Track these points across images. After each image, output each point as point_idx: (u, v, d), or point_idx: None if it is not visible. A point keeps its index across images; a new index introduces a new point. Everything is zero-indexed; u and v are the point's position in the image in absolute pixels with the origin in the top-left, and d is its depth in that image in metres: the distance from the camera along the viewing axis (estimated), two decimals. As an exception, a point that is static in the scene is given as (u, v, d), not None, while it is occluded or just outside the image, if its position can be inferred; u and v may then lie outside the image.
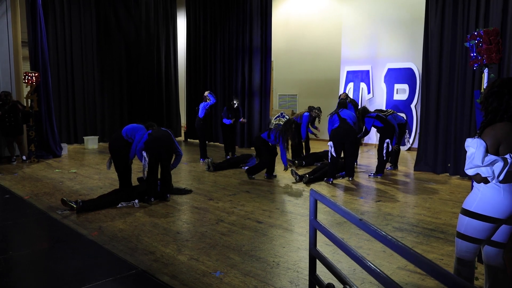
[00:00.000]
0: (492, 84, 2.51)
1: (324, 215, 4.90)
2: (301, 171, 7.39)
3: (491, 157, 2.30)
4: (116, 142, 5.81)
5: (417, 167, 7.76)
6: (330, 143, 6.83)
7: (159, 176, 5.82)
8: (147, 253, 3.90)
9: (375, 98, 10.93)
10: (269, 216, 5.06)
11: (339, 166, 7.14)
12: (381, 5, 10.73)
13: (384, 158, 7.20)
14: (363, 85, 11.12)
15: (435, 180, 7.04)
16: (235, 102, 9.12)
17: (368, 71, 11.03)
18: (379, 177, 7.22)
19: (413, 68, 10.18)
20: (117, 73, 12.55)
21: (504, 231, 2.49)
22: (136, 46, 12.81)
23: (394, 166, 7.90)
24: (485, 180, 2.38)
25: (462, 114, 7.05)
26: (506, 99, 2.40)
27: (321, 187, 6.58)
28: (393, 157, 7.80)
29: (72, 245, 4.17)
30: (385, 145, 7.10)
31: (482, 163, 2.31)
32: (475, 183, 2.49)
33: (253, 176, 7.14)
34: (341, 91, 11.30)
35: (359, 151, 8.81)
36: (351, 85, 11.34)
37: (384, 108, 9.40)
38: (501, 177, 2.31)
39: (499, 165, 2.29)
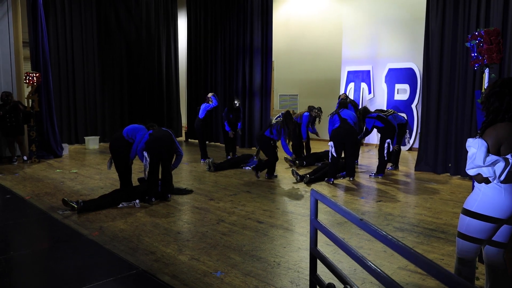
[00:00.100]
0: (494, 84, 2.50)
1: (325, 215, 4.90)
2: (301, 171, 7.39)
3: (492, 157, 2.30)
4: (116, 142, 5.81)
5: (417, 167, 7.76)
6: (331, 143, 6.83)
7: (160, 176, 5.82)
8: (148, 253, 3.91)
9: (376, 98, 10.93)
10: (270, 216, 5.06)
11: (340, 166, 7.14)
12: (381, 5, 10.73)
13: (385, 158, 7.19)
14: (363, 85, 11.12)
15: (436, 180, 7.04)
16: (236, 102, 9.12)
17: (368, 71, 11.02)
18: (379, 177, 7.22)
19: (413, 68, 10.18)
20: (118, 73, 12.57)
21: (505, 231, 2.49)
22: (136, 46, 12.82)
23: (395, 166, 7.90)
24: (486, 180, 2.38)
25: (463, 114, 7.05)
26: (507, 99, 2.40)
27: (321, 187, 6.58)
28: (394, 157, 7.80)
29: (73, 245, 4.18)
30: (386, 145, 7.10)
31: (484, 163, 2.31)
32: (476, 183, 2.48)
33: (259, 175, 7.15)
34: (341, 91, 11.31)
35: (360, 151, 8.82)
36: (351, 85, 11.34)
37: (385, 108, 9.40)
38: (502, 177, 2.31)
39: (500, 165, 2.29)
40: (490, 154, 2.32)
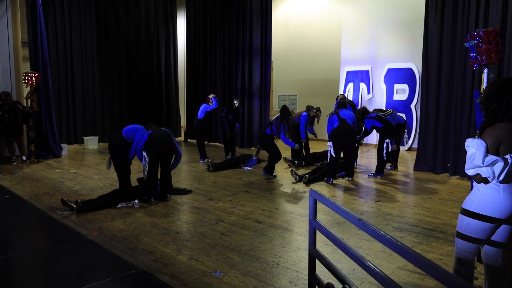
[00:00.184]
0: (492, 84, 2.51)
1: (324, 215, 4.90)
2: (300, 171, 7.39)
3: (491, 157, 2.31)
4: (116, 142, 5.81)
5: (416, 167, 7.76)
6: (330, 143, 6.84)
7: (159, 176, 5.82)
8: (147, 253, 3.91)
9: (375, 98, 10.93)
10: (269, 216, 5.06)
11: (339, 166, 7.15)
12: (381, 6, 10.74)
13: (384, 158, 7.20)
14: (363, 85, 11.13)
15: (435, 180, 7.04)
16: (235, 102, 9.12)
17: (368, 71, 11.03)
18: (378, 177, 7.22)
19: (412, 68, 10.19)
20: (117, 73, 12.56)
21: (504, 231, 2.49)
22: (136, 46, 12.82)
23: (394, 166, 7.91)
24: (485, 180, 2.38)
25: (461, 114, 7.06)
26: (506, 99, 2.40)
27: (320, 187, 6.58)
28: (393, 157, 7.80)
29: (72, 245, 4.17)
30: (385, 145, 7.11)
31: (483, 163, 2.31)
32: (475, 183, 2.49)
33: (271, 176, 7.11)
34: (341, 91, 11.32)
35: (359, 151, 8.83)
36: (351, 85, 11.35)
37: (384, 108, 9.41)
38: (501, 177, 2.32)
39: (499, 165, 2.29)
40: (489, 154, 2.32)
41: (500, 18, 6.41)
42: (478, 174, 2.37)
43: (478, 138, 2.39)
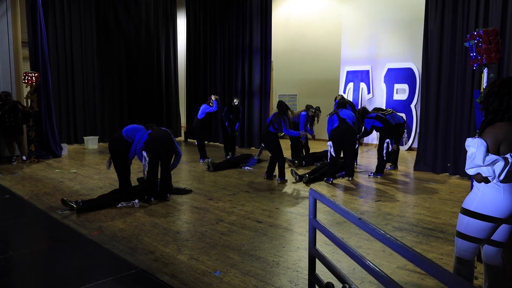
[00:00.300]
0: (492, 83, 2.51)
1: (324, 215, 4.90)
2: (300, 171, 7.40)
3: (492, 157, 2.30)
4: (116, 142, 5.81)
5: (416, 167, 7.76)
6: (330, 143, 6.83)
7: (159, 176, 5.82)
8: (147, 253, 3.91)
9: (375, 98, 10.93)
10: (269, 216, 5.06)
11: (339, 166, 7.15)
12: (381, 5, 10.74)
13: (384, 158, 7.20)
14: (363, 85, 11.13)
15: (435, 179, 7.04)
16: (235, 100, 9.12)
17: (368, 71, 11.03)
18: (378, 177, 7.22)
19: (412, 68, 10.19)
20: (117, 73, 12.56)
21: (504, 230, 2.49)
22: (136, 46, 12.82)
23: (394, 166, 7.91)
24: (486, 180, 2.38)
25: (461, 114, 7.05)
26: (506, 99, 2.40)
27: (320, 187, 6.58)
28: (393, 157, 7.80)
29: (72, 245, 4.18)
30: (385, 145, 7.11)
31: (483, 163, 2.31)
32: (475, 183, 2.49)
33: (285, 179, 6.97)
34: (341, 91, 11.32)
35: (359, 151, 8.83)
36: (351, 85, 11.35)
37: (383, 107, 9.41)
38: (501, 177, 2.31)
39: (500, 164, 2.29)
40: (489, 154, 2.32)
41: (499, 18, 6.42)
42: (478, 173, 2.37)
43: (478, 137, 2.38)
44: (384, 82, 10.71)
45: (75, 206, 5.18)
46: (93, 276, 3.41)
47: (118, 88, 12.61)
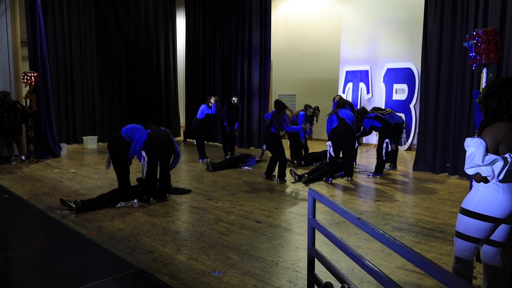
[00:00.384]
0: (492, 83, 2.51)
1: (323, 215, 4.90)
2: (300, 171, 7.40)
3: (491, 156, 2.30)
4: (115, 142, 5.81)
5: (416, 167, 7.77)
6: (329, 143, 6.83)
7: (158, 176, 5.82)
8: (146, 253, 3.90)
9: (374, 98, 10.94)
10: (268, 216, 5.06)
11: (338, 166, 7.14)
12: (380, 5, 10.75)
13: (384, 158, 7.20)
14: (362, 85, 11.13)
15: (434, 179, 7.05)
16: (234, 99, 9.12)
17: (367, 71, 11.03)
18: (378, 177, 7.22)
19: (412, 68, 10.19)
20: (117, 73, 12.55)
21: (503, 230, 2.49)
22: (135, 46, 12.81)
23: (393, 166, 7.91)
24: (485, 180, 2.38)
25: (461, 114, 7.06)
26: (506, 99, 2.40)
27: (320, 187, 6.58)
28: (392, 156, 7.81)
29: (71, 245, 4.17)
30: (384, 145, 7.11)
31: (482, 163, 2.31)
32: (474, 183, 2.48)
33: (284, 179, 6.97)
34: (340, 91, 11.32)
35: (358, 151, 8.83)
36: (350, 85, 11.35)
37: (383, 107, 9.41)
38: (501, 177, 2.31)
39: (499, 164, 2.29)
40: (488, 153, 2.32)
41: (498, 18, 6.43)
42: (477, 173, 2.36)
43: (477, 137, 2.38)
44: (383, 82, 10.71)
45: (74, 206, 5.18)
46: (92, 276, 3.41)
47: (117, 87, 12.60)
